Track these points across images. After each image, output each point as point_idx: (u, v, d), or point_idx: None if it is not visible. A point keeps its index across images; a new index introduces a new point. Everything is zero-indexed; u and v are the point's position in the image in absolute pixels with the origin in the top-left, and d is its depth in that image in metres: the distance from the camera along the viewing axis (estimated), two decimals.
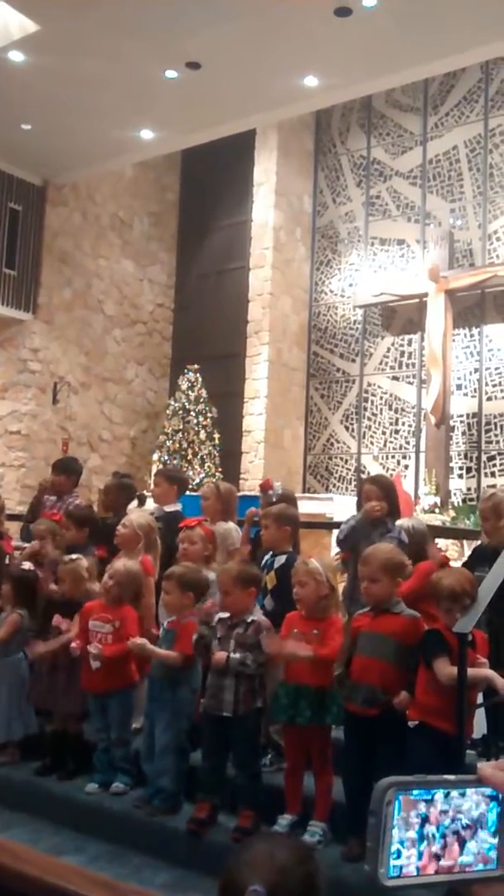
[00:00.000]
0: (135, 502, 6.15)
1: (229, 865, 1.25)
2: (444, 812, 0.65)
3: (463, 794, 0.66)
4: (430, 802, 0.65)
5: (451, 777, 0.66)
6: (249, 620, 3.80)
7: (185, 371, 12.20)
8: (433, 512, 9.84)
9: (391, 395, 11.79)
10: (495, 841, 0.65)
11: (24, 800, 4.32)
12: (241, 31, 8.32)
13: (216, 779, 3.81)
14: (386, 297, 11.39)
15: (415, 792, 0.64)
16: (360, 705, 3.40)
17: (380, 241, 12.12)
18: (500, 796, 0.66)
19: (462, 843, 0.65)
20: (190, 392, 11.95)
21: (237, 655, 3.69)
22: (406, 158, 12.02)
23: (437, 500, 10.14)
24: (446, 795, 0.65)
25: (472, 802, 0.66)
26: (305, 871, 1.23)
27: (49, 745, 4.62)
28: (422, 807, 0.64)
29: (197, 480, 10.58)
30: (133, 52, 8.73)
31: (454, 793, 0.65)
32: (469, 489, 10.74)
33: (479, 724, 3.72)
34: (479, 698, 3.62)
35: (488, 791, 0.66)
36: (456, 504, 10.47)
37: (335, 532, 7.18)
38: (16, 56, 8.98)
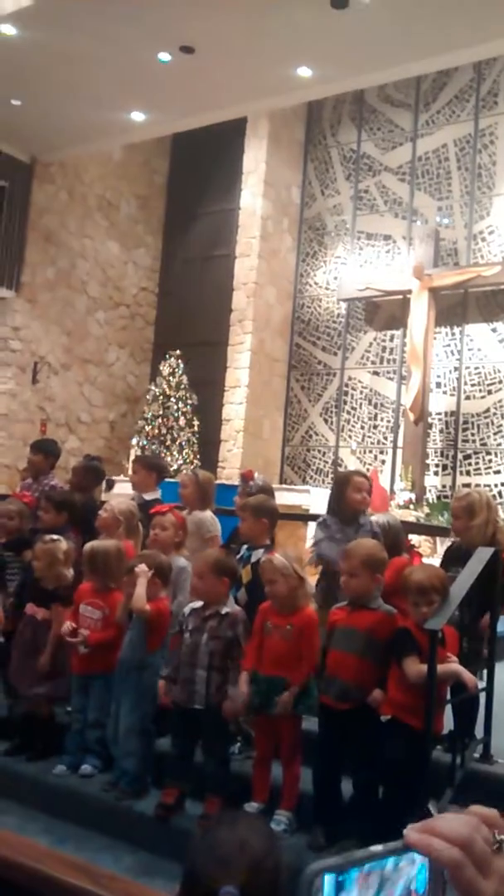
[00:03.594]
0: (103, 485, 6.14)
1: (197, 860, 1.20)
2: (378, 886, 0.63)
3: (395, 864, 0.64)
4: (362, 878, 0.63)
5: (379, 848, 0.64)
6: (224, 612, 3.82)
7: (167, 356, 12.17)
8: (408, 508, 9.93)
9: (371, 390, 11.84)
10: None
11: None
12: (237, 17, 8.28)
13: (184, 765, 3.84)
14: (370, 292, 11.42)
15: (344, 871, 0.62)
16: (334, 699, 3.45)
17: (366, 236, 12.15)
18: (427, 859, 0.64)
19: None
20: (171, 378, 11.93)
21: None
22: (396, 154, 12.03)
23: (413, 496, 10.22)
24: (376, 868, 0.64)
25: (404, 870, 0.64)
26: (274, 865, 1.23)
27: (18, 726, 4.63)
28: (354, 885, 0.63)
29: (175, 467, 10.59)
30: (128, 32, 8.66)
31: (384, 864, 0.64)
32: (444, 486, 10.84)
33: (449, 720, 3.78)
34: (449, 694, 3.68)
35: (416, 854, 0.64)
36: (430, 501, 10.56)
37: (311, 524, 7.24)
38: (8, 29, 8.87)
